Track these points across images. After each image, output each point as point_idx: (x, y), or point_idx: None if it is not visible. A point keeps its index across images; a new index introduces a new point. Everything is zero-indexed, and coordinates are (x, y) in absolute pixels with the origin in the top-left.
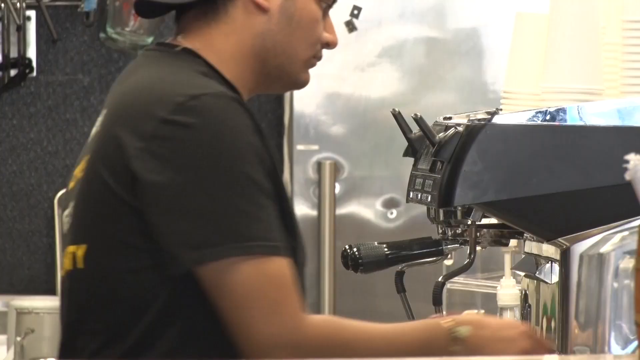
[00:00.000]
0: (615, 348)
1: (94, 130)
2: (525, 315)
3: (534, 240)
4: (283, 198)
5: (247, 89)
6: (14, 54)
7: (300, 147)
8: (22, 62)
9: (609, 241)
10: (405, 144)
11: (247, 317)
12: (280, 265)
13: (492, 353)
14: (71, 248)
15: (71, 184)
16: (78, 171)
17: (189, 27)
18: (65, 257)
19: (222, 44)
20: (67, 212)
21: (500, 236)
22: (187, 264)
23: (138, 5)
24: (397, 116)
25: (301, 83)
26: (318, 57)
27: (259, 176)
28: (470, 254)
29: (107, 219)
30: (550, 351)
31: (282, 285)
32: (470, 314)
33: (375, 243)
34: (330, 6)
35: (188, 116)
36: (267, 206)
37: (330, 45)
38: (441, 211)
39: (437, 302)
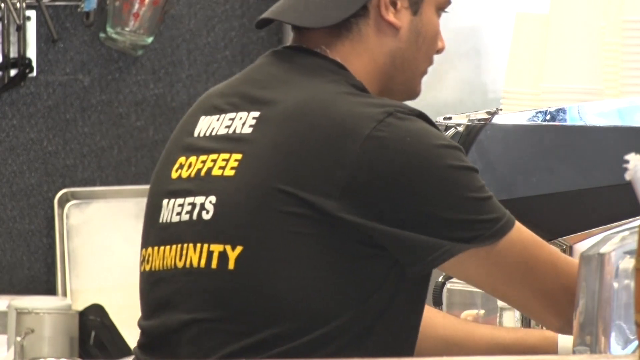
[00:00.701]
0: (615, 348)
1: (227, 129)
2: (525, 316)
3: None
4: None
5: None
6: (14, 54)
7: None
8: (22, 62)
9: (609, 241)
10: None
11: (546, 277)
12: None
13: None
14: (215, 247)
15: (180, 173)
16: (199, 163)
17: (321, 42)
18: (191, 252)
19: (357, 61)
20: (180, 201)
21: None
22: (448, 255)
23: (261, 22)
24: None
25: (417, 93)
26: (432, 64)
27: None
28: None
29: (274, 227)
30: None
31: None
32: None
33: None
34: (444, 11)
35: (390, 130)
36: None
37: (440, 51)
38: None
39: (437, 302)
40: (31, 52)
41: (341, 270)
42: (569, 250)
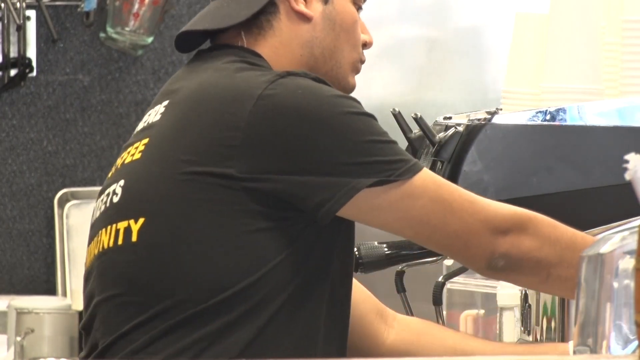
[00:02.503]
0: (615, 348)
1: (144, 124)
2: (525, 315)
3: None
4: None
5: None
6: (14, 53)
7: None
8: (22, 62)
9: (609, 241)
10: (405, 143)
11: (463, 218)
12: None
13: None
14: (122, 224)
15: (111, 174)
16: (125, 156)
17: (236, 40)
18: (103, 236)
19: (273, 56)
20: (102, 197)
21: None
22: (351, 192)
23: (177, 41)
24: (397, 116)
25: (350, 88)
26: (363, 60)
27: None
28: None
29: (175, 193)
30: None
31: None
32: None
33: (375, 243)
34: (361, 7)
35: (282, 88)
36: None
37: (368, 45)
38: None
39: (437, 302)
40: (31, 52)
41: (243, 236)
42: None
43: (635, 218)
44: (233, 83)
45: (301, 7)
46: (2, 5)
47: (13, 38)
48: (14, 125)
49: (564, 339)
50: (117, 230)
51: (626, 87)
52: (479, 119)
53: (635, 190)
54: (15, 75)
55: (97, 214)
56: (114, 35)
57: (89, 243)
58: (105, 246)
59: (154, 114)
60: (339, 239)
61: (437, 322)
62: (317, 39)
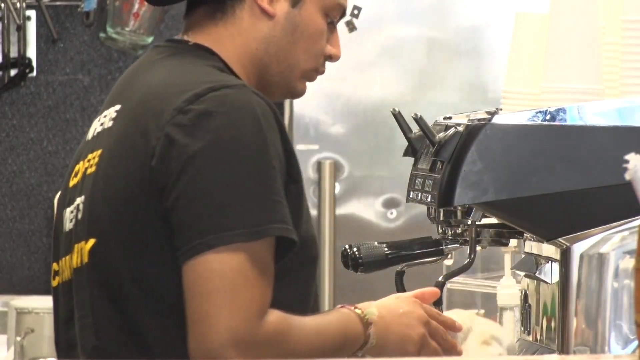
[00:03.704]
0: (615, 348)
1: (100, 128)
2: (525, 315)
3: (534, 240)
4: (300, 193)
5: None
6: (14, 53)
7: (300, 147)
8: (22, 62)
9: (609, 241)
10: (405, 143)
11: (219, 306)
12: (257, 252)
13: (399, 333)
14: (81, 244)
15: (74, 180)
16: (84, 165)
17: (197, 25)
18: (73, 254)
19: (229, 44)
20: (72, 207)
21: (500, 236)
22: (198, 248)
23: None
24: (397, 116)
25: (297, 93)
26: (320, 71)
27: (273, 165)
28: (470, 254)
29: (125, 213)
30: (445, 342)
31: (265, 280)
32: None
33: (375, 243)
34: (337, 21)
35: (206, 105)
36: (281, 191)
37: (333, 58)
38: (441, 211)
39: (437, 302)
40: (31, 52)
41: (171, 255)
42: (569, 250)
43: (635, 218)
44: (159, 100)
45: (265, 3)
46: (2, 5)
47: (13, 38)
48: (14, 125)
49: (564, 339)
50: (80, 250)
51: (626, 87)
52: (479, 119)
53: (635, 190)
54: (15, 75)
55: (70, 225)
56: (114, 35)
57: (66, 254)
58: (75, 265)
59: (107, 119)
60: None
61: None
62: (275, 37)
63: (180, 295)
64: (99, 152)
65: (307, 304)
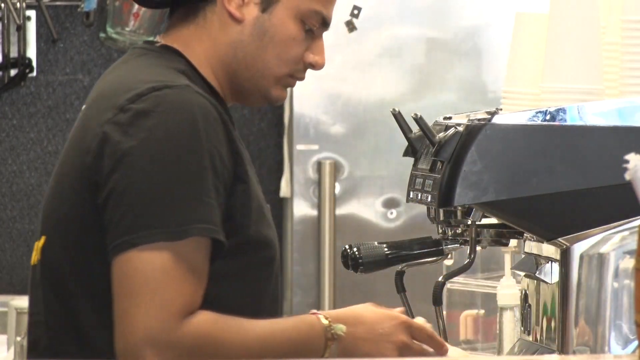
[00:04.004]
0: (615, 348)
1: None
2: (525, 315)
3: (534, 240)
4: (247, 193)
5: (227, 97)
6: (14, 54)
7: (300, 147)
8: (22, 62)
9: (609, 241)
10: (405, 144)
11: (136, 304)
12: (201, 254)
13: (370, 350)
14: (36, 242)
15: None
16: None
17: (173, 27)
18: (34, 252)
19: (198, 47)
20: None
21: (500, 236)
22: (123, 246)
23: None
24: (397, 116)
25: (273, 99)
26: (298, 77)
27: (207, 166)
28: (470, 254)
29: (66, 211)
30: (431, 340)
31: (186, 279)
32: (348, 310)
33: (375, 243)
34: (319, 29)
35: (145, 104)
36: (211, 191)
37: (315, 66)
38: (441, 211)
39: (437, 302)
40: (31, 52)
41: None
42: (569, 250)
43: (635, 218)
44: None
45: (233, 7)
46: (2, 5)
47: (13, 38)
48: (14, 125)
49: (564, 339)
50: (36, 247)
51: (626, 87)
52: (479, 119)
53: (635, 190)
54: (15, 75)
55: None
56: (114, 35)
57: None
58: (33, 262)
59: (78, 118)
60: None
61: (437, 322)
62: (243, 42)
63: None
64: (63, 152)
65: (261, 306)
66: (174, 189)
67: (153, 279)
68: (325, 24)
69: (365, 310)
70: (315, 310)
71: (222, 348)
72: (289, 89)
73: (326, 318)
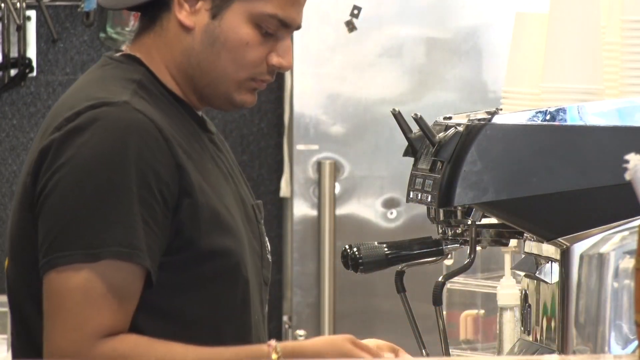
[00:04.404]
0: (615, 348)
1: None
2: (525, 315)
3: (534, 240)
4: (195, 206)
5: (194, 102)
6: (14, 54)
7: (300, 147)
8: (22, 62)
9: (609, 241)
10: (405, 143)
11: (52, 326)
12: (120, 275)
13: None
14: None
15: None
16: None
17: (137, 35)
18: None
19: (157, 55)
20: None
21: (500, 236)
22: (45, 267)
23: None
24: (397, 116)
25: (237, 103)
26: (262, 80)
27: (126, 184)
28: (470, 254)
29: (17, 233)
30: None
31: (101, 302)
32: (310, 345)
33: (375, 243)
34: (278, 32)
35: (79, 123)
36: (137, 213)
37: (279, 68)
38: (441, 211)
39: (437, 302)
40: (31, 52)
41: None
42: (569, 250)
43: (635, 218)
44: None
45: (183, 15)
46: (2, 5)
47: (13, 38)
48: (14, 125)
49: (564, 339)
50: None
51: (626, 87)
52: (479, 119)
53: (635, 190)
54: (15, 75)
55: None
56: (114, 35)
57: None
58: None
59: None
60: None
61: (437, 322)
62: (195, 50)
63: None
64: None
65: (227, 314)
66: (94, 209)
67: (70, 299)
68: (285, 25)
69: (330, 347)
70: (273, 342)
71: None
72: (289, 90)
73: (277, 353)
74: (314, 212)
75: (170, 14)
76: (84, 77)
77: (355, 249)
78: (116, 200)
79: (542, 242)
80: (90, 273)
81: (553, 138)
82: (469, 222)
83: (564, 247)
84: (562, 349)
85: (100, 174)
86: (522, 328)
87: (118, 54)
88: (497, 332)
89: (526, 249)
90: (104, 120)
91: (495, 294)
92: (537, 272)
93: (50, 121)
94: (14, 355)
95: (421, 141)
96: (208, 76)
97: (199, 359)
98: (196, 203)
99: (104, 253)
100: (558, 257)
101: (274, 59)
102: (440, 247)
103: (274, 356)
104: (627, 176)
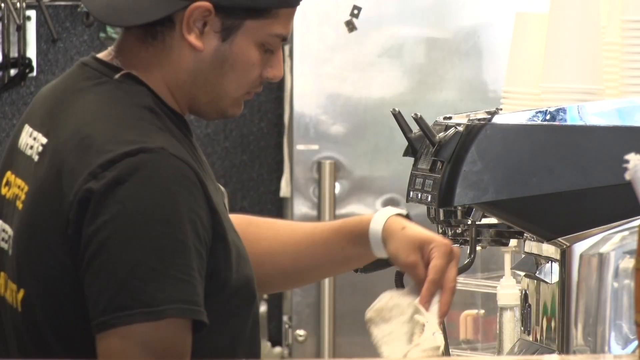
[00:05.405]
0: (615, 348)
1: (30, 150)
2: (525, 315)
3: (534, 240)
4: (227, 248)
5: (183, 111)
6: (14, 53)
7: (300, 147)
8: (22, 62)
9: (609, 241)
10: (405, 143)
11: None
12: (182, 332)
13: None
14: (13, 286)
15: (5, 191)
16: (14, 186)
17: (128, 47)
18: (3, 281)
19: (157, 72)
20: (4, 226)
21: (500, 236)
22: (103, 327)
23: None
24: (397, 116)
25: (229, 115)
26: (255, 92)
27: (187, 238)
28: (470, 254)
29: (45, 270)
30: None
31: (152, 356)
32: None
33: None
34: (279, 47)
35: (120, 173)
36: (192, 267)
37: (273, 79)
38: (441, 211)
39: None
40: (31, 52)
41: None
42: (569, 250)
43: (635, 218)
44: (72, 161)
45: (192, 38)
46: (2, 5)
47: (13, 38)
48: (14, 125)
49: (564, 339)
50: (12, 290)
51: (626, 87)
52: (479, 119)
53: (635, 190)
54: (15, 75)
55: (1, 244)
56: (114, 35)
57: None
58: (6, 296)
59: (36, 146)
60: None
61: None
62: (203, 71)
63: None
64: (26, 188)
65: (240, 337)
66: (148, 267)
67: (131, 358)
68: (284, 40)
69: None
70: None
71: None
72: (289, 90)
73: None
74: (314, 212)
75: (174, 32)
76: (86, 96)
77: None
78: (169, 255)
79: (542, 242)
80: (152, 331)
81: (553, 138)
82: (469, 222)
83: (564, 247)
84: (562, 349)
85: (152, 229)
86: (522, 328)
87: (117, 73)
88: (497, 332)
89: (526, 249)
90: (146, 171)
91: (495, 294)
92: (537, 272)
93: (72, 158)
94: None
95: (421, 141)
96: (211, 94)
97: None
98: (228, 246)
99: (167, 311)
100: (558, 257)
101: (269, 72)
102: None
103: None
104: (627, 176)
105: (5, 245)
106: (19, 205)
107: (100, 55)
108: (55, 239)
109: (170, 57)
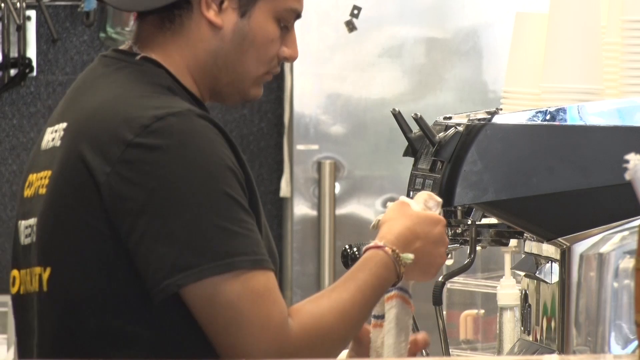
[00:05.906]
0: (615, 348)
1: (51, 142)
2: (525, 315)
3: (534, 240)
4: (258, 210)
5: (204, 98)
6: (14, 53)
7: (300, 147)
8: (22, 62)
9: (609, 241)
10: (405, 143)
11: (238, 336)
12: (264, 278)
13: (428, 261)
14: (37, 269)
15: (28, 192)
16: (37, 181)
17: (146, 34)
18: (29, 276)
19: (177, 55)
20: (27, 223)
21: (500, 236)
22: (169, 289)
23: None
24: (397, 116)
25: (250, 98)
26: (273, 72)
27: (234, 191)
28: (470, 254)
29: (77, 243)
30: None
31: (267, 299)
32: (398, 228)
33: None
34: (291, 24)
35: (154, 138)
36: (245, 220)
37: (289, 59)
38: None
39: (437, 302)
40: (31, 52)
41: (130, 285)
42: (569, 250)
43: (635, 218)
44: (114, 120)
45: (212, 15)
46: (2, 5)
47: (13, 38)
48: (14, 125)
49: (564, 339)
50: (39, 276)
51: (626, 87)
52: (479, 119)
53: (635, 190)
54: (15, 75)
55: (27, 241)
56: (114, 35)
57: (22, 266)
58: (35, 289)
59: (57, 136)
60: None
61: (437, 322)
62: (223, 49)
63: (147, 323)
64: (49, 173)
65: None
66: (213, 222)
67: (243, 302)
68: (298, 16)
69: (411, 221)
70: (376, 243)
71: (333, 329)
72: (289, 90)
73: (393, 251)
74: (314, 212)
75: (191, 13)
76: (106, 78)
77: (355, 249)
78: (223, 210)
79: (542, 242)
80: (250, 279)
81: (553, 138)
82: (469, 222)
83: (564, 247)
84: (562, 349)
85: (200, 189)
86: (522, 328)
87: (132, 55)
88: (497, 332)
89: (526, 249)
90: (180, 134)
91: (495, 294)
92: (537, 272)
93: (100, 133)
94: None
95: (421, 141)
96: (232, 74)
97: (350, 293)
98: (257, 201)
99: (262, 262)
100: (558, 257)
101: (286, 51)
102: None
103: (394, 255)
104: (627, 176)
105: (28, 240)
106: (42, 191)
107: (120, 47)
108: (88, 211)
109: (190, 39)
